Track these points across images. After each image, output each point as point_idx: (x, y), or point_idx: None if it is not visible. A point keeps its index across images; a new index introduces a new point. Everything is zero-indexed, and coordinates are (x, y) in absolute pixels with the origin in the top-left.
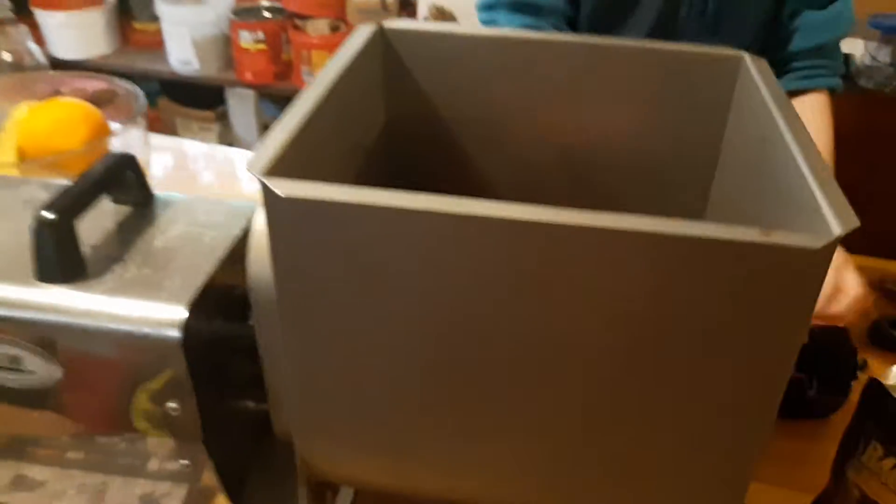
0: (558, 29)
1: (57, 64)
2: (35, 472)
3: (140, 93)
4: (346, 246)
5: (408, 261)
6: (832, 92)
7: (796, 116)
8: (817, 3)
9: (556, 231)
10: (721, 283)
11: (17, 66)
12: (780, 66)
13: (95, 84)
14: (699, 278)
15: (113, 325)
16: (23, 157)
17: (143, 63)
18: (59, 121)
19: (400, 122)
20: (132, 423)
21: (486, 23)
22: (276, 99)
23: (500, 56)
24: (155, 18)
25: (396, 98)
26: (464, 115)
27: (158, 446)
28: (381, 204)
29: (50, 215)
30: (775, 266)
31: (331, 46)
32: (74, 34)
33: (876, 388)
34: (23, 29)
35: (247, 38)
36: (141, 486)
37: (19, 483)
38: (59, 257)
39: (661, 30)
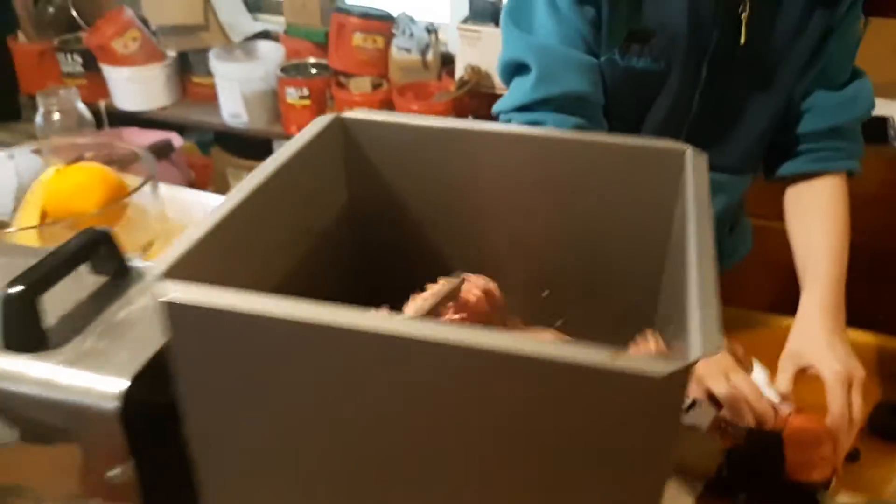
0: (601, 125)
1: (120, 115)
2: None
3: (152, 158)
4: (223, 346)
5: (283, 364)
6: (850, 175)
7: (708, 221)
8: (832, 84)
9: (415, 346)
10: (578, 402)
11: (66, 126)
12: (795, 146)
13: (121, 150)
14: (557, 397)
15: (61, 396)
16: (45, 219)
17: (197, 115)
18: (79, 185)
19: (361, 203)
20: (82, 486)
21: (529, 123)
22: None
23: (453, 144)
24: (211, 73)
25: (357, 181)
26: (421, 198)
27: None
28: (251, 311)
29: (15, 290)
30: (628, 389)
31: (372, 103)
32: (137, 87)
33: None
34: (73, 91)
35: (293, 94)
36: None
37: None
38: (22, 329)
39: (676, 116)
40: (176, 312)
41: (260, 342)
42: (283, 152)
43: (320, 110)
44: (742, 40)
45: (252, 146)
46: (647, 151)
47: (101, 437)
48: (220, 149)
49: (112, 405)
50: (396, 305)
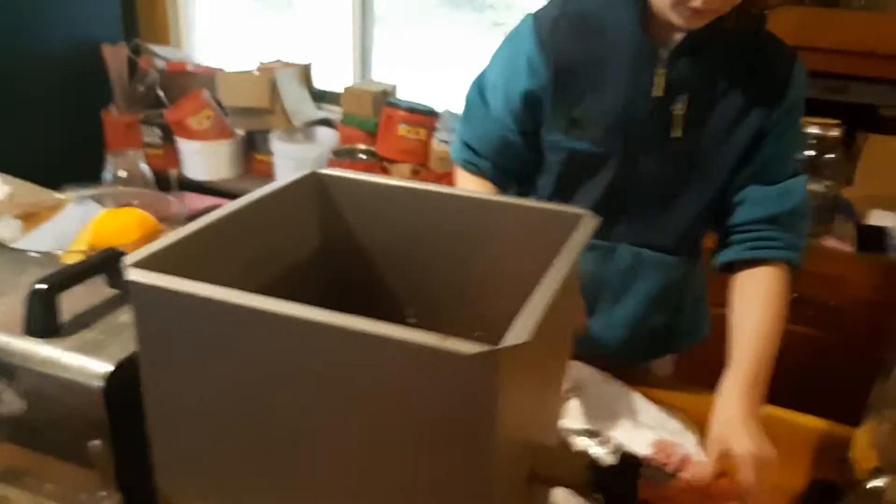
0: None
1: (188, 183)
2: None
3: (184, 209)
4: (177, 327)
5: (219, 344)
6: (791, 266)
7: (570, 262)
8: (766, 180)
9: (306, 327)
10: (416, 376)
11: (129, 183)
12: (732, 235)
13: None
14: (400, 369)
15: (61, 373)
16: (91, 249)
17: (257, 187)
18: (121, 224)
19: (333, 245)
20: (75, 454)
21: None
22: None
23: (412, 201)
24: (272, 152)
25: (330, 227)
26: (384, 244)
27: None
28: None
29: (40, 287)
30: (449, 366)
31: None
32: (206, 160)
33: None
34: (138, 154)
35: None
36: None
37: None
38: (41, 318)
39: (614, 196)
40: (137, 291)
41: (202, 321)
42: (259, 191)
43: None
44: (674, 135)
45: None
46: (557, 214)
47: (87, 410)
48: None
49: (98, 384)
50: None
